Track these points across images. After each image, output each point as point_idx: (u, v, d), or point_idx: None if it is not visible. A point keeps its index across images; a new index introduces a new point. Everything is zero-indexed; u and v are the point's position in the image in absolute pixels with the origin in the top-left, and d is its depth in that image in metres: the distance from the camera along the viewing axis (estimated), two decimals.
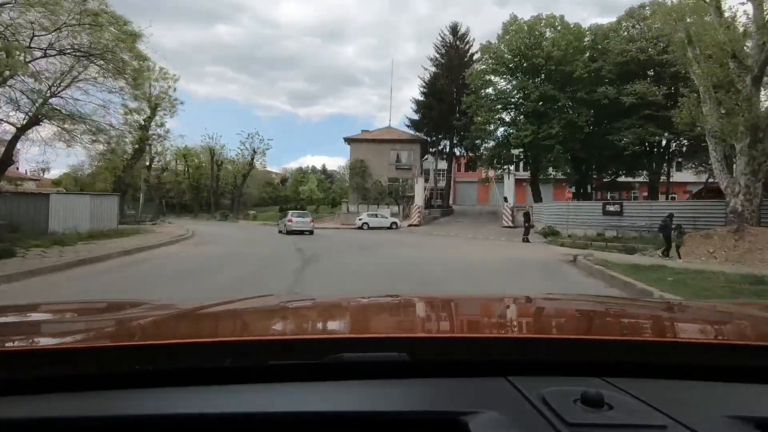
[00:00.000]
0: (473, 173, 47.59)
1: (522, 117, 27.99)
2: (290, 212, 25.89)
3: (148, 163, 39.47)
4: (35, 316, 1.43)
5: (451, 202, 41.11)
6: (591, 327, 1.24)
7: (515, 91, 28.48)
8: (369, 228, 29.24)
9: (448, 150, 39.86)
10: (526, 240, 19.35)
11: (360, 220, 30.10)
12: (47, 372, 0.71)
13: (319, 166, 68.57)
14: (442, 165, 40.72)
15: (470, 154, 38.90)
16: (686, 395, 0.70)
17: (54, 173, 47.14)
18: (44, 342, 1.05)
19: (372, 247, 15.56)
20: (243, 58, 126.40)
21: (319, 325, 1.31)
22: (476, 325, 1.34)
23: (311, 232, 22.80)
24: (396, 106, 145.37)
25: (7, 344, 0.90)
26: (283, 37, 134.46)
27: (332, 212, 41.38)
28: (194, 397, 0.68)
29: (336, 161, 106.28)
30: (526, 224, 20.29)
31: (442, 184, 41.00)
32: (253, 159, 48.42)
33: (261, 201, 58.19)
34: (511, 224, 27.05)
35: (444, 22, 53.75)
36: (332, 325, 1.35)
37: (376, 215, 31.19)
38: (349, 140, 40.03)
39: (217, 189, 50.28)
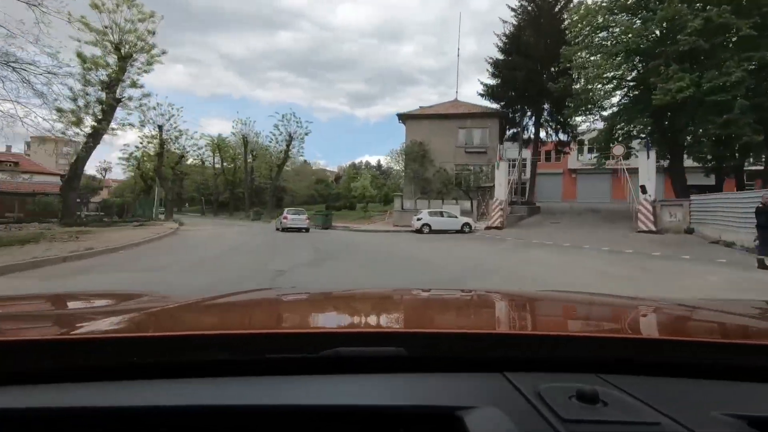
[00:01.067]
0: (557, 163, 38.26)
1: (666, 64, 17.83)
2: (286, 210, 25.34)
3: (154, 151, 33.55)
4: (30, 308, 1.40)
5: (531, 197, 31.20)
6: (587, 324, 1.26)
7: (653, 26, 18.44)
8: (431, 231, 20.96)
9: (532, 129, 30.23)
10: (763, 265, 9.06)
11: (419, 220, 21.79)
12: (46, 364, 0.71)
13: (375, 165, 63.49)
14: (519, 152, 30.16)
15: (560, 137, 29.10)
16: (681, 393, 0.70)
17: None
18: (41, 333, 1.00)
19: (432, 270, 8.18)
20: (303, 62, 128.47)
21: (318, 319, 1.28)
22: (474, 321, 1.31)
23: (307, 230, 22.68)
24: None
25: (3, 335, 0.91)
26: (342, 40, 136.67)
27: (384, 210, 33.57)
28: (191, 390, 0.68)
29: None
30: (763, 231, 9.30)
31: (520, 175, 30.48)
32: (289, 146, 40.96)
33: (310, 199, 52.96)
34: (653, 228, 17.47)
35: (505, 14, 44.34)
36: (330, 318, 1.30)
37: (441, 213, 22.63)
38: (404, 117, 30.87)
39: (251, 183, 43.83)
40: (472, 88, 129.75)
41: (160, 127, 32.06)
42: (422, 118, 30.79)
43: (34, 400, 0.65)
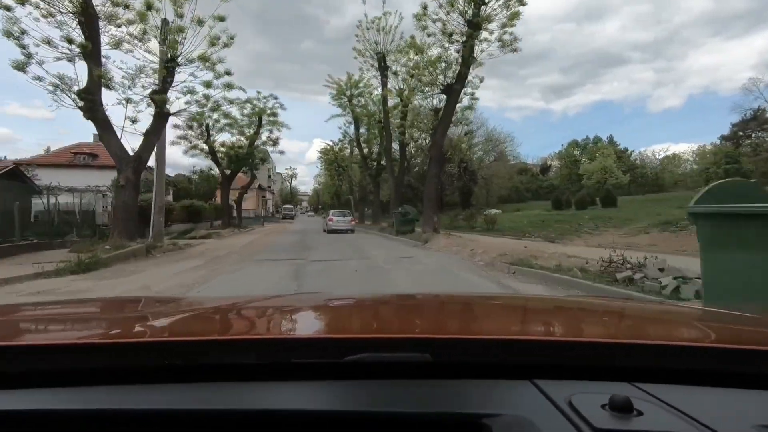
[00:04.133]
0: None
1: None
2: (331, 211, 25.37)
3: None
4: (51, 313, 1.42)
5: None
6: (620, 330, 1.19)
7: None
8: None
9: None
10: None
11: None
12: (62, 368, 0.72)
13: None
14: None
15: None
16: (719, 402, 0.68)
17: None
18: (65, 337, 1.00)
19: None
20: (494, 62, 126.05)
21: (342, 324, 1.26)
22: (501, 327, 1.22)
23: (352, 231, 22.43)
24: (676, 80, 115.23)
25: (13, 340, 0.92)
26: (534, 32, 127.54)
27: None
28: (218, 394, 0.69)
29: None
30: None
31: None
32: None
33: (514, 194, 48.92)
34: None
35: None
36: (355, 324, 1.26)
37: None
38: None
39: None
40: (700, 61, 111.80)
41: None
42: None
43: (49, 402, 0.66)
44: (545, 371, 0.73)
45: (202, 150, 25.26)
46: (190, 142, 24.58)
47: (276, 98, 27.58)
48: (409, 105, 22.08)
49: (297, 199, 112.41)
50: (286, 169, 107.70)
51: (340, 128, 37.83)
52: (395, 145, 26.37)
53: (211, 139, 25.04)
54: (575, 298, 1.87)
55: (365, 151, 31.10)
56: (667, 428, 0.57)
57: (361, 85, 28.27)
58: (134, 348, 0.79)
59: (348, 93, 28.70)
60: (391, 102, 24.24)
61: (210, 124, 24.79)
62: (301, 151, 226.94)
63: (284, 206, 69.04)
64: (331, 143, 44.66)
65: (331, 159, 46.49)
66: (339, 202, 58.16)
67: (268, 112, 27.10)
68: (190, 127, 24.28)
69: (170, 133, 24.21)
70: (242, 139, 26.66)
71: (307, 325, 1.27)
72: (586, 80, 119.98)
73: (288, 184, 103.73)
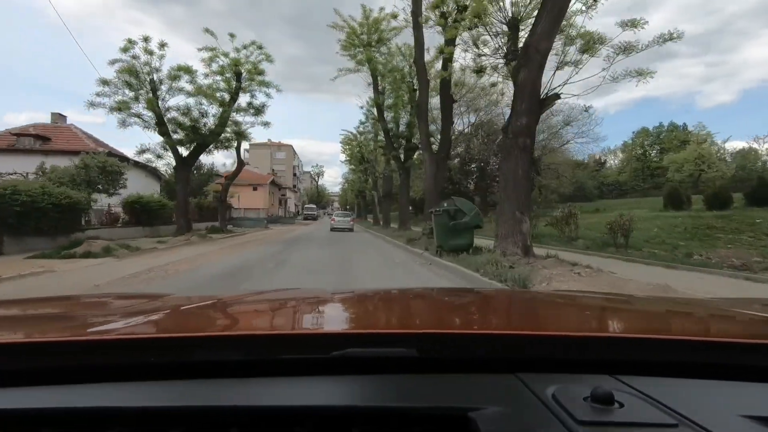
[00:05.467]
0: None
1: None
2: (334, 213, 30.54)
3: None
4: (52, 309, 1.41)
5: None
6: (601, 324, 1.22)
7: None
8: None
9: None
10: None
11: None
12: (61, 365, 0.72)
13: None
14: None
15: None
16: (699, 394, 0.69)
17: None
18: (57, 335, 0.97)
19: None
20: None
21: (328, 320, 1.26)
22: (486, 321, 1.26)
23: (351, 230, 26.12)
24: (731, 73, 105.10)
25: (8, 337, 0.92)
26: (570, 27, 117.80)
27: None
28: (207, 390, 0.69)
29: None
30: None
31: None
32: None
33: (578, 192, 39.53)
34: None
35: None
36: (341, 320, 1.28)
37: None
38: None
39: None
40: (754, 54, 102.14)
41: None
42: None
43: (49, 400, 0.66)
44: (529, 365, 0.75)
45: (143, 120, 16.90)
46: (125, 108, 16.28)
47: (261, 48, 19.25)
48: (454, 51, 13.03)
49: (327, 199, 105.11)
50: (313, 167, 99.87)
51: (361, 108, 29.25)
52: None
53: (159, 98, 16.87)
54: (558, 293, 1.78)
55: (390, 125, 22.08)
56: (648, 419, 0.58)
57: (383, 26, 19.41)
58: (122, 345, 0.78)
59: (364, 38, 19.75)
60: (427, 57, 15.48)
61: (156, 79, 16.72)
62: (334, 152, 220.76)
63: (306, 206, 61.17)
64: (354, 132, 36.50)
65: (353, 149, 38.08)
66: (364, 201, 49.55)
67: (249, 67, 18.80)
68: (129, 85, 16.30)
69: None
70: (211, 104, 18.26)
71: (294, 321, 1.23)
72: (628, 76, 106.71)
73: (315, 183, 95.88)
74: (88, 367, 0.72)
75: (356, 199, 56.14)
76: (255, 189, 38.76)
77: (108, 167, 14.93)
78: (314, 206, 60.96)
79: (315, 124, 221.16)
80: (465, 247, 8.87)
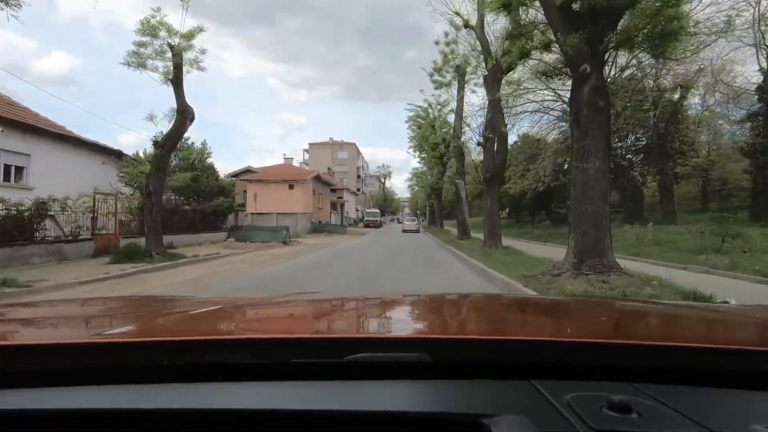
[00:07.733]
0: None
1: None
2: (405, 216, 34.65)
3: None
4: (60, 312, 1.43)
5: None
6: (619, 330, 1.20)
7: None
8: None
9: None
10: None
11: None
12: (68, 366, 0.73)
13: None
14: None
15: None
16: (720, 403, 0.68)
17: None
18: (60, 336, 1.01)
19: None
20: None
21: (342, 325, 1.28)
22: (500, 327, 1.25)
23: (418, 231, 33.60)
24: None
25: (19, 339, 0.95)
26: None
27: None
28: (218, 393, 0.69)
29: None
30: None
31: None
32: None
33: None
34: None
35: None
36: (355, 324, 1.29)
37: None
38: None
39: None
40: None
41: None
42: None
43: (53, 402, 0.66)
44: (544, 371, 0.73)
45: None
46: None
47: None
48: None
49: (397, 205, 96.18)
50: (379, 167, 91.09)
51: (440, 52, 19.11)
52: None
53: None
54: (574, 299, 1.76)
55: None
56: (665, 429, 0.57)
57: None
58: (132, 347, 0.78)
59: None
60: None
61: None
62: (406, 159, 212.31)
63: (367, 211, 52.32)
64: (426, 104, 26.81)
65: (424, 130, 28.19)
66: (439, 201, 39.05)
67: None
68: None
69: None
70: None
71: (306, 324, 1.25)
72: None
73: (381, 184, 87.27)
74: (98, 369, 0.72)
75: (428, 200, 45.99)
76: (291, 187, 29.97)
77: None
78: (377, 211, 51.67)
79: (387, 132, 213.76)
80: None
